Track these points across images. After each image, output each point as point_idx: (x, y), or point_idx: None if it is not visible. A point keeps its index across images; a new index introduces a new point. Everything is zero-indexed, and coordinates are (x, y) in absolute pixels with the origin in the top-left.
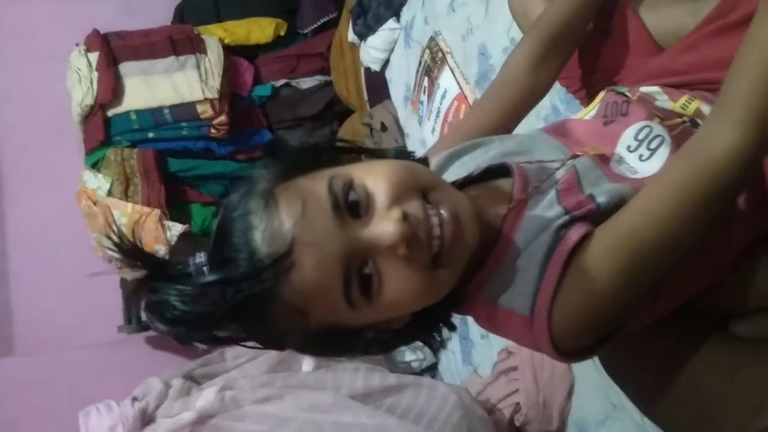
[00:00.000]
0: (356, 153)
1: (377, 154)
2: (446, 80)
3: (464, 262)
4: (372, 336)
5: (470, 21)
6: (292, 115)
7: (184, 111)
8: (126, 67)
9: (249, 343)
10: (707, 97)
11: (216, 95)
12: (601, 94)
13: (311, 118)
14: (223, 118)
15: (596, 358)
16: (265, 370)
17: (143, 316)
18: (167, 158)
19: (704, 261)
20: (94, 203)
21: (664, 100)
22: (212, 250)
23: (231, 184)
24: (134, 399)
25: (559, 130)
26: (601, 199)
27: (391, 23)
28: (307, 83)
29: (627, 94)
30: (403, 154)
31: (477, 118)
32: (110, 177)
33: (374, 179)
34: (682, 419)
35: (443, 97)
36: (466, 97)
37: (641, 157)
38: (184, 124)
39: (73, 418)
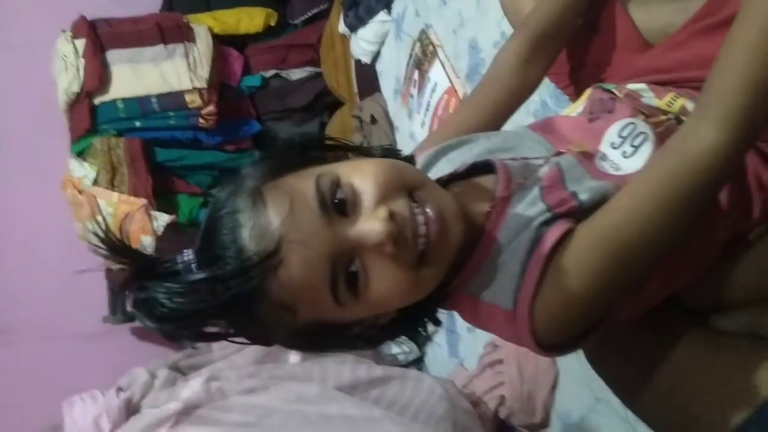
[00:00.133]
0: (343, 151)
1: (364, 152)
2: (437, 74)
3: (449, 260)
4: (358, 331)
5: (461, 15)
6: (281, 106)
7: (172, 100)
8: (113, 55)
9: (237, 339)
10: (693, 95)
11: (204, 85)
12: (588, 91)
13: (301, 109)
14: (211, 107)
15: (581, 352)
16: (252, 361)
17: (129, 307)
18: (154, 148)
19: (686, 257)
20: (80, 192)
21: (650, 98)
22: (200, 248)
23: (219, 178)
24: (119, 389)
25: (544, 127)
26: (583, 196)
27: (382, 15)
28: (296, 74)
29: (614, 91)
30: (389, 152)
31: (466, 115)
32: (96, 166)
33: (361, 178)
34: (662, 411)
35: (433, 90)
36: (456, 91)
37: (625, 153)
38: (171, 114)
39: (58, 407)
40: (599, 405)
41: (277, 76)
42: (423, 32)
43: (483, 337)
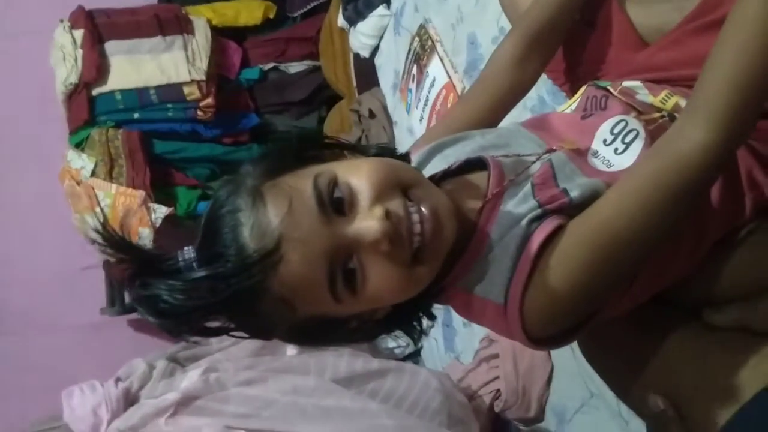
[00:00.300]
0: (340, 149)
1: (360, 150)
2: (435, 68)
3: (443, 257)
4: (355, 325)
5: (460, 10)
6: (279, 99)
7: (171, 92)
8: (111, 46)
9: (237, 334)
10: (687, 93)
11: (203, 77)
12: (583, 88)
13: (299, 103)
14: (209, 100)
15: (575, 347)
16: (249, 353)
17: (127, 299)
18: (153, 140)
19: (678, 252)
20: (78, 183)
21: (644, 95)
22: (201, 245)
23: (217, 171)
24: (118, 380)
25: (538, 124)
26: (574, 193)
27: (381, 10)
28: (295, 68)
29: (609, 88)
30: (385, 150)
31: (462, 112)
32: (94, 157)
33: (358, 177)
34: None
35: (432, 85)
36: (454, 86)
37: (616, 150)
38: (170, 106)
39: (56, 398)
40: (593, 400)
41: (275, 69)
42: (422, 27)
43: (479, 331)
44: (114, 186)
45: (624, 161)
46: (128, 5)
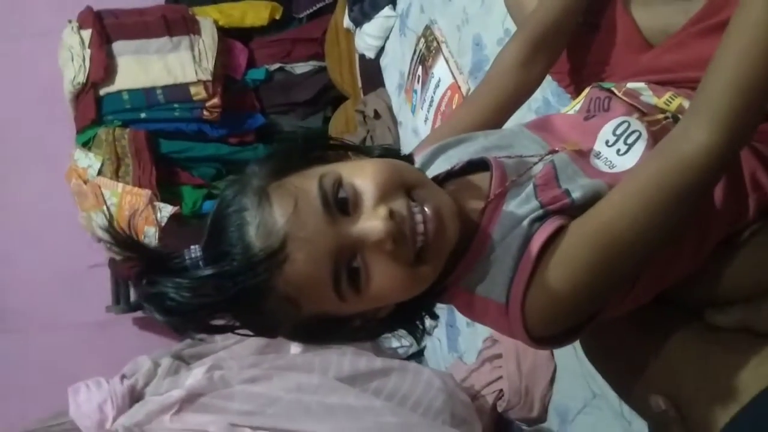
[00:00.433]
0: (344, 150)
1: (364, 151)
2: (440, 70)
3: (445, 257)
4: (359, 324)
5: (466, 11)
6: (285, 99)
7: (177, 92)
8: (119, 46)
9: (242, 331)
10: (691, 95)
11: (209, 77)
12: (587, 90)
13: (304, 103)
14: (216, 100)
15: (578, 347)
16: (254, 351)
17: (132, 297)
18: (159, 139)
19: (680, 253)
20: (85, 182)
21: (648, 96)
22: (207, 244)
23: (223, 171)
24: (123, 377)
25: (541, 125)
26: (576, 194)
27: (387, 11)
28: (301, 68)
29: (613, 89)
30: (389, 152)
31: (467, 113)
32: (101, 156)
33: (362, 178)
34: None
35: (437, 86)
36: (459, 87)
37: (619, 151)
38: (176, 106)
39: (62, 395)
40: (596, 400)
41: (281, 69)
42: (427, 28)
43: (482, 331)
44: (120, 185)
45: (626, 162)
46: (136, 6)
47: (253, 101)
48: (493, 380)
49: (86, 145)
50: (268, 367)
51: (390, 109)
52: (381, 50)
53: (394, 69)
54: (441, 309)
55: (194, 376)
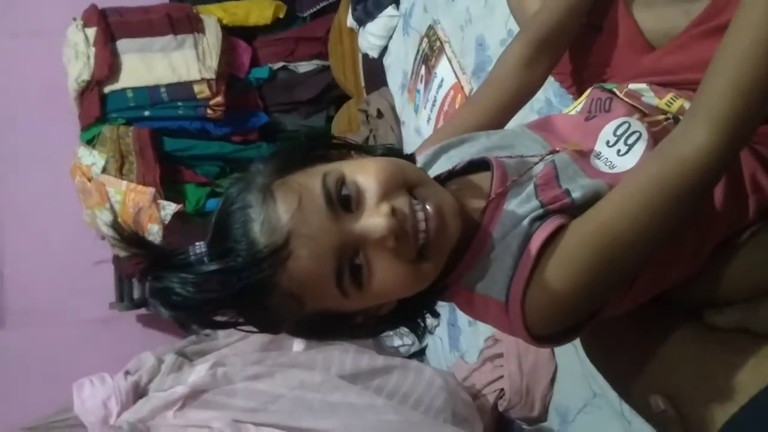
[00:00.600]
0: (347, 149)
1: (367, 150)
2: (443, 70)
3: (447, 254)
4: (361, 321)
5: (469, 11)
6: (288, 98)
7: (181, 90)
8: (123, 44)
9: (245, 327)
10: (693, 97)
11: (213, 75)
12: (589, 91)
13: (307, 102)
14: (219, 98)
15: (579, 347)
16: (257, 348)
17: (135, 294)
18: (163, 137)
19: (680, 253)
20: (89, 180)
21: (650, 97)
22: (212, 241)
23: (227, 169)
24: (127, 373)
25: (542, 126)
26: (576, 194)
27: (390, 10)
28: (304, 67)
29: (614, 90)
30: (391, 151)
31: (469, 114)
32: (105, 154)
33: (365, 176)
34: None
35: (440, 86)
36: (462, 87)
37: (619, 152)
38: (180, 104)
39: (66, 391)
40: (596, 400)
41: (284, 68)
42: (430, 28)
43: (483, 331)
44: (124, 183)
45: (626, 163)
46: (140, 4)
47: (256, 100)
48: (494, 379)
49: (90, 142)
50: (270, 365)
51: (393, 108)
52: (384, 50)
53: (397, 68)
54: (442, 308)
55: (197, 372)
